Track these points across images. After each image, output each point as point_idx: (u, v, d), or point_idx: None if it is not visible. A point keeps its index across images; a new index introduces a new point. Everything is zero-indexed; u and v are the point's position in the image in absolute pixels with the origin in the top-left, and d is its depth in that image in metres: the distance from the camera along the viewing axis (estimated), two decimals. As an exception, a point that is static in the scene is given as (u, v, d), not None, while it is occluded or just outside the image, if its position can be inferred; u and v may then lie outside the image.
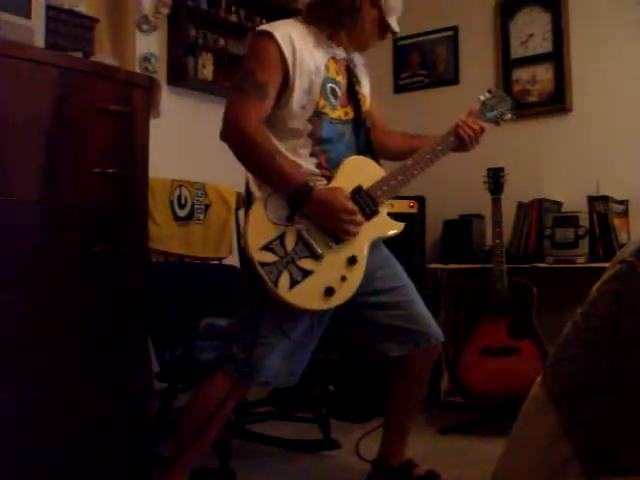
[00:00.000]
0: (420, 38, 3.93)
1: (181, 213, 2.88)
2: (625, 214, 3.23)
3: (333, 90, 1.94)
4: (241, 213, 2.89)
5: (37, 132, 1.89)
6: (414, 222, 3.50)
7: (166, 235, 2.81)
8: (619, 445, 0.81)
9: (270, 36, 1.85)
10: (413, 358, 2.06)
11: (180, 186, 2.88)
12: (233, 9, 3.52)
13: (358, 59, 2.10)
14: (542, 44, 3.56)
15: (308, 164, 1.89)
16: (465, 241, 3.43)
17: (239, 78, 1.86)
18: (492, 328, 2.96)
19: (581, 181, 3.33)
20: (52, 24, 2.11)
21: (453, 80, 3.86)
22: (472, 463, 2.44)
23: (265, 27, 1.90)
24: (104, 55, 2.45)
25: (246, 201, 1.92)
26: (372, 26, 1.98)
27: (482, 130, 2.08)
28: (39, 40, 1.97)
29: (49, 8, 2.11)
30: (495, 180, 3.02)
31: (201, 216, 2.95)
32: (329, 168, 1.91)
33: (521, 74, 3.62)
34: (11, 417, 1.79)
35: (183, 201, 2.88)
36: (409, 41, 3.98)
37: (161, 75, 3.19)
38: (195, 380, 2.04)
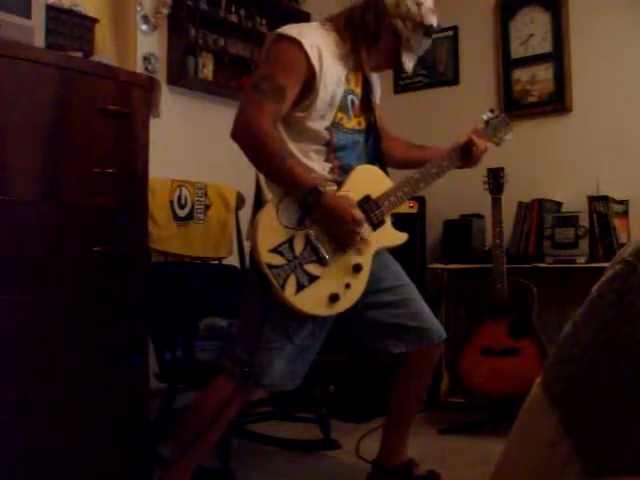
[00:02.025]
0: (420, 38, 3.93)
1: (181, 213, 2.88)
2: (625, 214, 3.23)
3: (352, 102, 1.95)
4: (242, 213, 2.89)
5: (37, 132, 1.89)
6: (414, 222, 3.50)
7: (166, 235, 2.81)
8: (619, 445, 0.81)
9: (298, 44, 1.81)
10: (416, 355, 2.07)
11: (180, 186, 2.88)
12: (233, 9, 3.52)
13: None
14: (542, 44, 3.56)
15: (321, 168, 1.89)
16: (465, 241, 3.43)
17: (258, 79, 1.83)
18: (492, 328, 2.96)
19: (581, 181, 3.33)
20: (52, 24, 2.12)
21: (453, 80, 3.86)
22: (472, 463, 2.44)
23: (292, 33, 1.84)
24: (104, 55, 2.45)
25: (255, 201, 1.91)
26: (387, 54, 1.97)
27: (485, 149, 2.13)
28: (39, 40, 1.97)
29: (49, 8, 2.11)
30: (495, 180, 3.02)
31: (201, 216, 2.94)
32: (340, 174, 1.92)
33: (521, 74, 3.62)
34: (11, 417, 1.79)
35: (183, 201, 2.88)
36: (409, 41, 3.98)
37: (161, 75, 3.19)
38: (195, 380, 2.04)
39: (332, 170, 1.91)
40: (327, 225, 1.82)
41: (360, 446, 2.31)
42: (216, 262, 3.03)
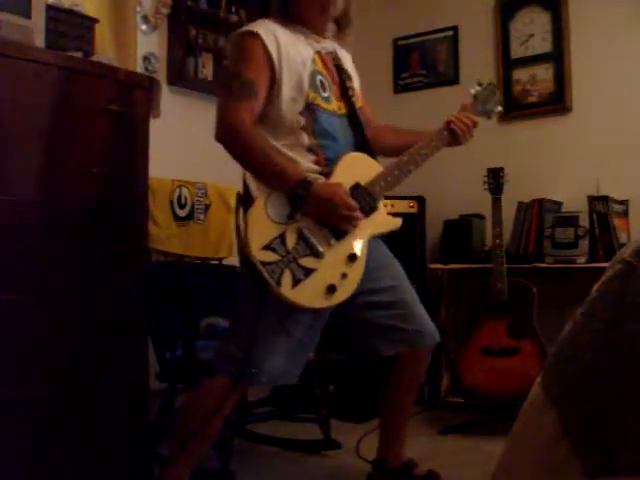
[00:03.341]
0: (420, 38, 3.93)
1: (181, 213, 2.88)
2: (625, 214, 3.23)
3: (322, 83, 1.94)
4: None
5: (37, 132, 1.89)
6: (414, 222, 3.50)
7: (166, 235, 2.81)
8: (619, 445, 0.81)
9: (254, 35, 1.85)
10: (407, 357, 2.06)
11: (180, 186, 2.88)
12: (233, 9, 3.52)
13: (344, 54, 2.10)
14: (542, 44, 3.56)
15: (306, 161, 1.88)
16: (465, 241, 3.43)
17: (227, 80, 1.86)
18: (492, 328, 2.96)
19: (581, 181, 3.33)
20: (52, 24, 2.12)
21: (453, 80, 3.85)
22: (472, 463, 2.44)
23: (248, 27, 1.90)
24: (104, 55, 2.45)
25: (244, 199, 1.91)
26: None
27: (474, 124, 2.10)
28: (39, 40, 1.97)
29: (49, 8, 2.11)
30: (495, 180, 3.02)
31: (201, 216, 2.95)
32: (327, 165, 1.91)
33: (521, 74, 3.62)
34: (11, 417, 1.79)
35: (183, 201, 2.88)
36: (409, 41, 3.98)
37: (161, 75, 3.19)
38: (195, 380, 2.04)
39: (318, 162, 1.90)
40: (320, 215, 1.82)
41: (360, 446, 2.31)
42: (216, 262, 3.03)
